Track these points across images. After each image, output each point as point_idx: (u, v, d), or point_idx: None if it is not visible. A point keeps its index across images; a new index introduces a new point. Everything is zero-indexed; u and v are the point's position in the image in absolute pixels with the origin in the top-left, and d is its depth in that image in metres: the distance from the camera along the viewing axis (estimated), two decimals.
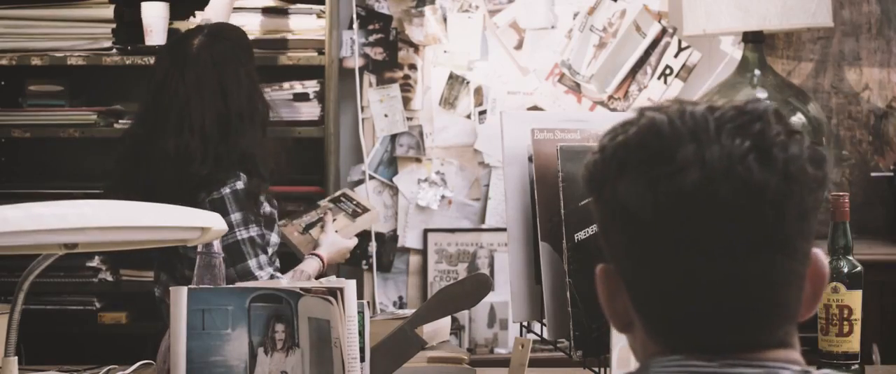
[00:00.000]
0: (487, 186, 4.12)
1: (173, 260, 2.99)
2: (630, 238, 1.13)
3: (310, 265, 2.98)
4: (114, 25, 3.83)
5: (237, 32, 3.10)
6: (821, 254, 1.16)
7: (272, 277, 2.90)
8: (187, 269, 2.90)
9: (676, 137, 1.11)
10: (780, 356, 1.12)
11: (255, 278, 2.87)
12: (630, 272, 1.15)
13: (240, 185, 2.88)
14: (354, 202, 3.15)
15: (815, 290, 1.16)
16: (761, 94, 3.81)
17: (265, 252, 2.89)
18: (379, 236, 4.08)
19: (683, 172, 1.09)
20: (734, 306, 1.11)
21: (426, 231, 4.11)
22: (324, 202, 3.37)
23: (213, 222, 2.10)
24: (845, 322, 2.25)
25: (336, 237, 3.03)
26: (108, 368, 2.55)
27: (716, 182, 1.08)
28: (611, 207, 1.14)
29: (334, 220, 3.11)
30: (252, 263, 2.87)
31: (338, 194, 3.34)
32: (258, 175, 2.92)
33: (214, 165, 2.90)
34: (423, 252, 4.12)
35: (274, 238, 3.02)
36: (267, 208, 3.01)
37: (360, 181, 4.12)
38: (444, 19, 4.10)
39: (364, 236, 3.85)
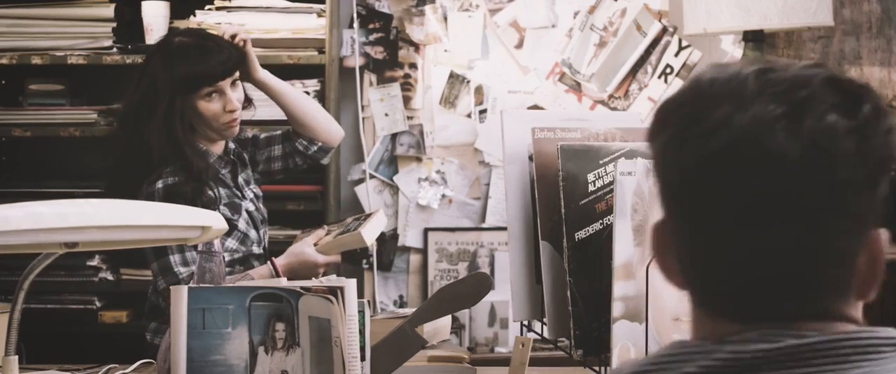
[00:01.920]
0: (488, 185, 4.12)
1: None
2: (665, 197, 1.12)
3: (259, 270, 2.97)
4: (114, 24, 3.83)
5: (173, 38, 3.11)
6: (881, 234, 1.10)
7: (231, 273, 2.90)
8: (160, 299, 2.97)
9: (714, 97, 1.08)
10: (813, 327, 1.07)
11: (174, 274, 2.87)
12: (675, 230, 1.12)
13: (170, 180, 2.90)
14: (360, 223, 3.05)
15: (870, 269, 1.10)
16: None
17: (190, 250, 2.87)
18: (379, 235, 4.07)
19: (712, 134, 1.06)
20: (760, 275, 1.07)
21: (426, 230, 4.11)
22: (349, 219, 3.28)
23: (214, 221, 2.10)
24: None
25: (304, 248, 3.01)
26: (109, 367, 2.55)
27: (740, 148, 1.05)
28: (656, 165, 1.12)
29: (327, 233, 3.08)
30: (173, 258, 2.89)
31: (368, 214, 3.21)
32: (187, 171, 2.93)
33: (135, 159, 2.95)
34: (424, 251, 4.12)
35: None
36: (222, 195, 3.01)
37: (361, 180, 4.12)
38: (445, 18, 4.10)
39: None
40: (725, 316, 1.10)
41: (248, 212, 3.08)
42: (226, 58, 3.00)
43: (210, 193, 2.96)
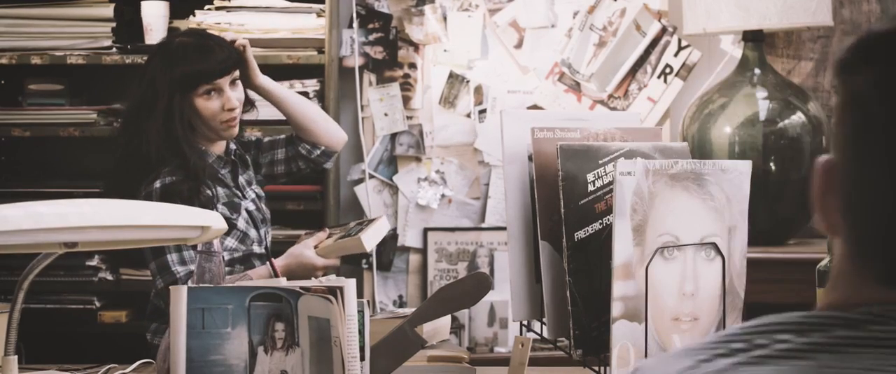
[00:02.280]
0: (487, 185, 4.12)
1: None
2: (859, 132, 1.06)
3: (258, 271, 2.98)
4: (114, 24, 3.83)
5: (173, 39, 3.14)
6: None
7: (231, 272, 2.91)
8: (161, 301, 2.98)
9: None
10: None
11: (171, 273, 2.89)
12: (848, 171, 1.07)
13: (168, 180, 2.91)
14: (361, 228, 3.04)
15: None
16: (761, 93, 3.81)
17: (188, 249, 2.89)
18: None
19: None
20: None
21: (426, 230, 4.12)
22: (352, 223, 3.26)
23: (213, 220, 2.10)
24: None
25: (303, 250, 3.02)
26: (108, 367, 2.55)
27: None
28: (847, 96, 1.09)
29: (328, 236, 3.09)
30: (171, 258, 2.90)
31: (371, 219, 3.18)
32: (185, 170, 2.94)
33: (135, 159, 2.97)
34: (423, 251, 4.12)
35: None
36: (220, 194, 3.02)
37: (360, 180, 4.12)
38: (444, 18, 4.10)
39: None
40: (873, 277, 1.05)
41: (248, 211, 3.08)
42: (225, 57, 3.01)
43: (208, 192, 2.97)
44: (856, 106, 1.07)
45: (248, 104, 3.13)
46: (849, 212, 1.07)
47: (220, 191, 3.03)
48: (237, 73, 3.04)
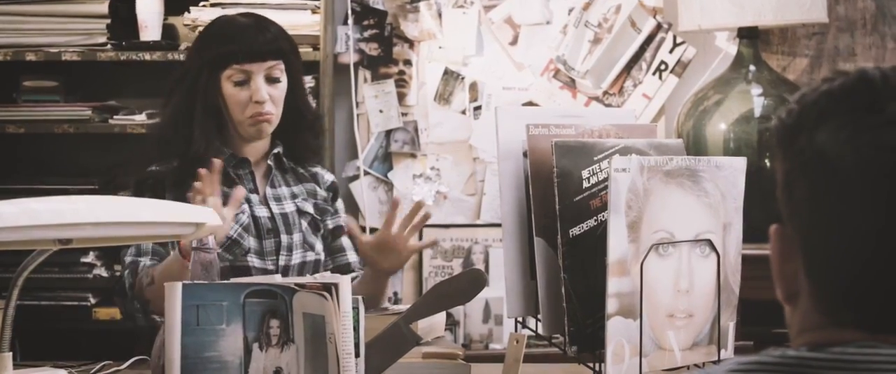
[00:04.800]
0: (482, 181, 4.12)
1: None
2: (820, 192, 1.06)
3: (166, 260, 2.82)
4: (108, 21, 3.82)
5: (225, 15, 2.98)
6: None
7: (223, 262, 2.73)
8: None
9: (889, 90, 1.06)
10: None
11: (130, 262, 2.69)
12: (810, 233, 1.08)
13: (153, 168, 2.76)
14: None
15: None
16: (756, 90, 3.81)
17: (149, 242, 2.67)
18: (374, 231, 4.07)
19: (892, 125, 1.04)
20: None
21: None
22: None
23: (208, 217, 2.10)
24: None
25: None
26: (103, 363, 2.55)
27: None
28: (802, 158, 1.07)
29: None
30: (132, 249, 2.70)
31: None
32: (165, 159, 2.75)
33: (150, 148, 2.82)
34: None
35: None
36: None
37: (355, 177, 4.12)
38: (439, 15, 4.10)
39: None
40: (851, 325, 1.06)
41: (254, 218, 2.77)
42: (267, 39, 2.74)
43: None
44: (816, 165, 1.07)
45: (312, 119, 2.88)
46: (816, 271, 1.08)
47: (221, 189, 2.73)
48: (278, 68, 2.76)
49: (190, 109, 2.73)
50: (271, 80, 2.75)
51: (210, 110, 2.74)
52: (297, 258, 2.80)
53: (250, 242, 2.76)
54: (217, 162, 2.60)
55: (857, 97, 1.07)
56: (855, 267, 1.05)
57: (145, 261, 2.68)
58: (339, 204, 2.98)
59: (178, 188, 2.65)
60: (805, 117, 1.09)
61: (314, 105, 2.96)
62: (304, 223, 2.84)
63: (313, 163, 2.95)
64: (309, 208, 2.87)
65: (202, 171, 2.56)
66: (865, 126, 1.05)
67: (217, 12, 3.82)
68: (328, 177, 2.98)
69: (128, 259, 2.71)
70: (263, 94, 2.71)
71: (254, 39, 2.73)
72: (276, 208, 2.82)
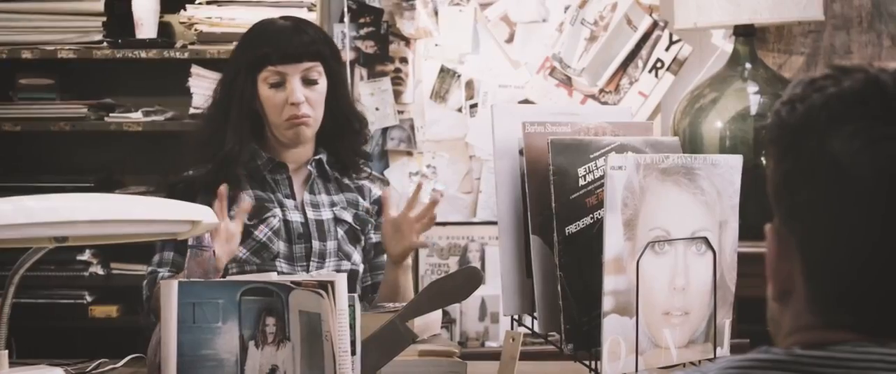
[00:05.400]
0: (478, 179, 4.13)
1: None
2: (829, 198, 1.06)
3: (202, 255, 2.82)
4: (104, 19, 3.82)
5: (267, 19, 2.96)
6: None
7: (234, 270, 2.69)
8: None
9: None
10: None
11: (150, 272, 2.68)
12: (812, 235, 1.07)
13: (189, 173, 2.75)
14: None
15: None
16: (752, 87, 3.81)
17: (171, 249, 2.66)
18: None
19: None
20: None
21: None
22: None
23: (204, 215, 2.10)
24: None
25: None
26: (99, 361, 2.55)
27: None
28: (811, 161, 1.07)
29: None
30: (155, 259, 2.70)
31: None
32: (201, 162, 2.75)
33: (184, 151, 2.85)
34: None
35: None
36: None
37: None
38: (436, 13, 4.10)
39: None
40: (847, 327, 1.06)
41: (285, 222, 2.73)
42: (304, 41, 2.72)
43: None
44: (827, 171, 1.06)
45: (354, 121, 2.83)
46: (814, 273, 1.08)
47: (251, 193, 2.73)
48: (316, 70, 2.73)
49: (226, 112, 2.71)
50: (309, 82, 2.72)
51: (245, 114, 2.71)
52: (330, 266, 2.76)
53: (280, 246, 2.72)
54: (222, 189, 2.59)
55: (871, 104, 1.06)
56: (855, 271, 1.05)
57: (163, 272, 2.67)
58: (375, 225, 2.89)
59: (209, 193, 2.61)
60: (812, 119, 1.08)
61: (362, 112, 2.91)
62: (341, 232, 2.80)
63: (362, 175, 2.90)
64: (347, 216, 2.82)
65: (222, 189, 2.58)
66: (881, 136, 1.04)
67: (212, 11, 3.82)
68: (376, 191, 2.91)
69: (148, 270, 2.71)
70: (299, 95, 2.68)
71: (289, 41, 2.70)
72: (311, 215, 2.78)
